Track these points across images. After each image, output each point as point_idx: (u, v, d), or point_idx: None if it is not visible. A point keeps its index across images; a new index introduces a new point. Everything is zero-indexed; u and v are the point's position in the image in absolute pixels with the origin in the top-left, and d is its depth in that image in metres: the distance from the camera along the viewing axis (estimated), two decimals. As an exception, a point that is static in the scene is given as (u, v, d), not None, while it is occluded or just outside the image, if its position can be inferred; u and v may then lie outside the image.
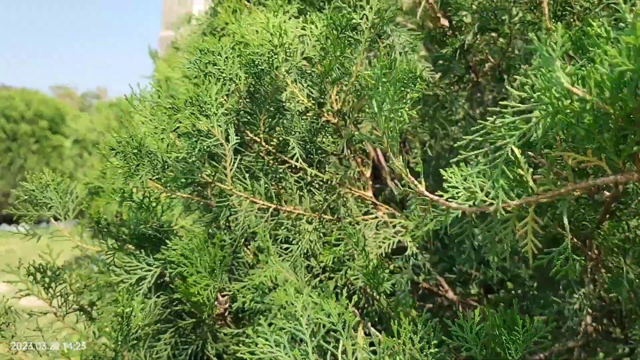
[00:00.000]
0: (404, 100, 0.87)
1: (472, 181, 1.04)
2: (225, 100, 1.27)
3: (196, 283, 1.18)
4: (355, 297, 1.22)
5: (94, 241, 1.53)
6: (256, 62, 1.31)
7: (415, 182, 0.88)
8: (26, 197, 1.35)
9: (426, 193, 0.87)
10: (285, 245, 1.37)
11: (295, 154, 1.37)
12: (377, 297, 1.33)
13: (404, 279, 1.36)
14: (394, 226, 1.51)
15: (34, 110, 18.43)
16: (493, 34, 1.71)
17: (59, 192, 1.34)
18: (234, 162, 1.27)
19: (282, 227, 1.38)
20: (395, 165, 0.88)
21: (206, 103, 1.21)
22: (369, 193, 1.55)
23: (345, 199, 1.52)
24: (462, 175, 1.03)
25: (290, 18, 1.49)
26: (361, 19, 1.40)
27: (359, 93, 1.41)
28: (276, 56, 1.32)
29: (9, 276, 1.45)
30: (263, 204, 1.35)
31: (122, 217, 1.35)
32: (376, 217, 1.53)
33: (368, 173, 1.56)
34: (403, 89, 0.86)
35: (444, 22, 2.27)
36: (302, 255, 1.39)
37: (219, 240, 1.23)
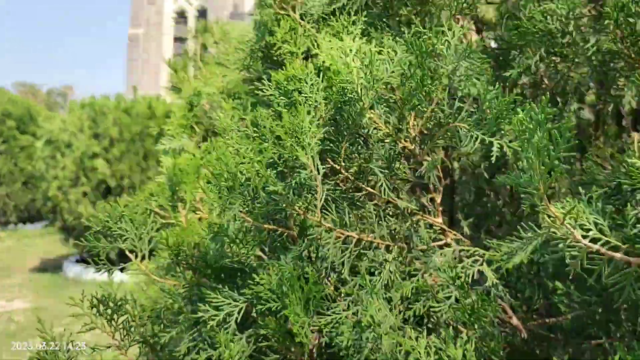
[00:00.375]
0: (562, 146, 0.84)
1: (586, 218, 1.02)
2: (316, 130, 1.22)
3: (295, 321, 1.13)
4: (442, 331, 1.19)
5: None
6: (346, 90, 1.27)
7: (571, 229, 0.85)
8: (99, 228, 1.28)
9: (583, 240, 0.84)
10: (368, 278, 1.33)
11: (381, 182, 1.33)
12: (466, 331, 1.30)
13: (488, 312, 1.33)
14: (461, 254, 1.48)
15: (1, 109, 17.90)
16: (554, 58, 1.70)
17: (134, 224, 1.28)
18: (323, 193, 1.23)
19: (364, 258, 1.34)
20: (550, 212, 0.85)
21: (301, 134, 1.17)
22: (439, 219, 1.52)
23: (417, 226, 1.49)
24: (570, 212, 1.01)
25: (356, 40, 1.45)
26: (443, 44, 1.38)
27: (440, 121, 1.38)
28: (365, 84, 1.28)
29: (72, 309, 1.37)
30: (348, 235, 1.31)
31: (200, 248, 1.29)
32: (446, 244, 1.50)
33: (439, 199, 1.53)
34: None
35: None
36: (382, 287, 1.36)
37: (313, 275, 1.18)
